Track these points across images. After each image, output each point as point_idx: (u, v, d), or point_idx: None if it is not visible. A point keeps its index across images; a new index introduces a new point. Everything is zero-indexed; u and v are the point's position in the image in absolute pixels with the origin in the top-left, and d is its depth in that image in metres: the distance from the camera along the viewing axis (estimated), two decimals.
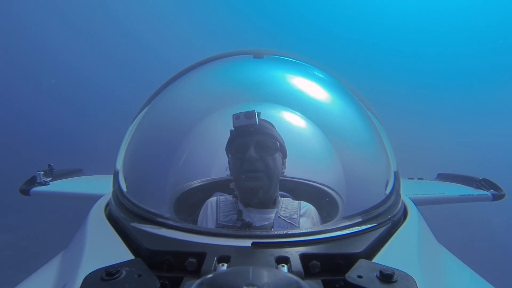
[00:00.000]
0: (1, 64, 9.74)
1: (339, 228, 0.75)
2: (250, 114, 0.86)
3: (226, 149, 0.88)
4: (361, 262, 0.60)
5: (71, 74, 11.32)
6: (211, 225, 0.85)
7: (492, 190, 2.10)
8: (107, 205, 1.01)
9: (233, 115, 0.86)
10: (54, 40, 11.41)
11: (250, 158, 0.85)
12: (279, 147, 0.87)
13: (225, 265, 0.60)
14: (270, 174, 0.87)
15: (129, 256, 0.66)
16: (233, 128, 0.87)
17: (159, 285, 0.53)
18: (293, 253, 0.63)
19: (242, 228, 0.83)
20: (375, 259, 0.66)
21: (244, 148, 0.86)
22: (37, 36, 11.22)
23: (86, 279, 0.53)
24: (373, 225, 0.79)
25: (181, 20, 13.61)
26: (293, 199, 0.91)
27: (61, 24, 11.45)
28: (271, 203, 0.89)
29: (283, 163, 0.88)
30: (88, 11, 11.68)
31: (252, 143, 0.86)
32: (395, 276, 0.54)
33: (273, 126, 0.89)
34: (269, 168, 0.86)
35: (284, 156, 0.88)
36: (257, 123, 0.86)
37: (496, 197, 2.05)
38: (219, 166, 0.91)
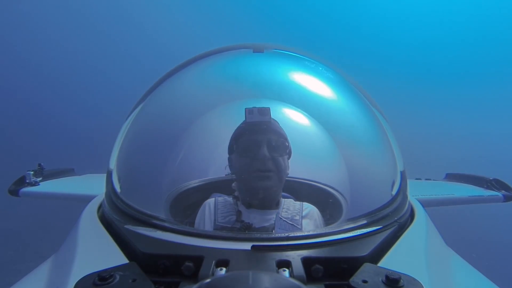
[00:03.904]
0: None
1: (343, 231, 0.75)
2: (265, 111, 0.86)
3: (231, 144, 0.87)
4: (366, 266, 0.60)
5: (63, 69, 11.30)
6: (209, 227, 0.85)
7: (503, 191, 2.10)
8: (100, 206, 1.00)
9: (246, 109, 0.86)
10: (46, 34, 11.38)
11: (263, 157, 0.84)
12: (288, 147, 0.87)
13: (224, 269, 0.60)
14: (280, 174, 0.87)
15: (123, 260, 0.66)
16: (243, 124, 0.86)
17: None
18: (295, 256, 0.63)
19: (242, 229, 0.83)
20: (381, 263, 0.66)
21: (256, 146, 0.85)
22: (29, 30, 11.19)
23: (78, 284, 0.53)
24: (379, 227, 0.79)
25: (178, 14, 13.56)
26: (295, 200, 0.91)
27: (54, 17, 11.41)
28: (274, 204, 0.89)
29: (288, 164, 0.88)
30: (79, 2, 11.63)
31: (265, 142, 0.85)
32: (401, 280, 0.54)
33: (279, 124, 0.89)
34: (279, 169, 0.86)
35: (289, 156, 0.88)
36: (271, 121, 0.86)
37: (507, 198, 2.05)
38: (218, 166, 0.91)
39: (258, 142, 0.86)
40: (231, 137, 0.88)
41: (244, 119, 0.87)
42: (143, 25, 12.83)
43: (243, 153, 0.86)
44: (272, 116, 0.89)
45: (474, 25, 12.35)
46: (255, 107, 0.86)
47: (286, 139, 0.87)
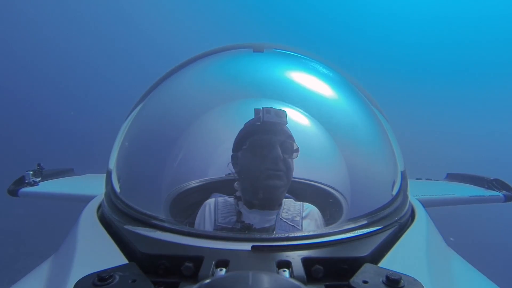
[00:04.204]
0: None
1: (343, 231, 0.75)
2: (281, 113, 0.87)
3: (240, 141, 0.87)
4: (367, 267, 0.60)
5: (62, 69, 11.30)
6: (208, 227, 0.85)
7: (504, 191, 2.10)
8: (100, 206, 1.00)
9: (263, 108, 0.86)
10: (47, 33, 11.37)
11: (276, 157, 0.85)
12: (297, 151, 0.87)
13: (224, 269, 0.60)
14: (289, 176, 0.87)
15: (123, 260, 0.66)
16: (258, 122, 0.86)
17: None
18: (295, 257, 0.63)
19: (242, 230, 0.83)
20: (381, 264, 0.66)
21: (271, 145, 0.86)
22: (30, 27, 11.18)
23: (77, 284, 0.53)
24: (379, 227, 0.79)
25: (177, 13, 13.55)
26: (296, 200, 0.91)
27: (52, 17, 11.41)
28: (277, 205, 0.89)
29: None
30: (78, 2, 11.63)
31: (278, 142, 0.86)
32: (402, 281, 0.54)
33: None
34: (289, 170, 0.87)
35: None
36: (287, 124, 0.87)
37: (508, 198, 2.05)
38: (218, 166, 0.91)
39: (273, 142, 0.86)
40: (240, 134, 0.88)
41: (253, 117, 0.88)
42: (142, 25, 12.82)
43: (256, 151, 0.87)
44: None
45: (475, 24, 12.34)
46: (272, 107, 0.87)
47: (295, 142, 0.88)
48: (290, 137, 0.87)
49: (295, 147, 0.86)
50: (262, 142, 0.87)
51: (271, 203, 0.89)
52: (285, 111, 0.88)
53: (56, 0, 11.42)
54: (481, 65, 12.23)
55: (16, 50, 10.84)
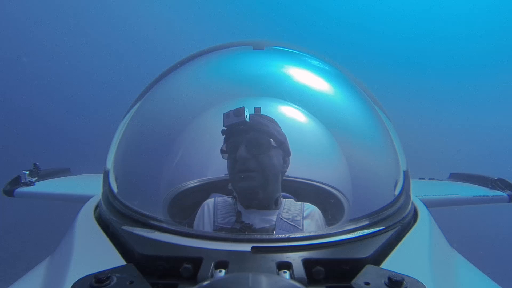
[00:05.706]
0: None
1: (344, 232, 0.75)
2: (239, 112, 0.86)
3: (220, 150, 0.88)
4: (368, 268, 0.60)
5: (59, 69, 11.29)
6: (208, 228, 0.85)
7: (508, 191, 2.10)
8: (97, 207, 1.00)
9: (223, 114, 0.86)
10: (42, 32, 11.36)
11: (240, 158, 0.85)
12: (273, 144, 0.86)
13: (223, 271, 0.60)
14: (265, 173, 0.86)
15: (120, 261, 0.66)
16: (224, 128, 0.87)
17: None
18: (296, 258, 0.63)
19: (242, 230, 0.83)
20: (383, 265, 0.66)
21: (235, 147, 0.86)
22: (24, 30, 11.17)
23: (74, 286, 0.53)
24: (381, 228, 0.79)
25: (175, 12, 13.53)
26: (296, 200, 0.91)
27: (48, 18, 11.40)
28: (273, 204, 0.89)
29: (285, 161, 0.88)
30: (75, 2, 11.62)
31: (243, 142, 0.86)
32: (404, 282, 0.54)
33: (272, 122, 0.88)
34: (264, 167, 0.86)
35: (287, 154, 0.87)
36: (247, 120, 0.85)
37: None
38: (217, 166, 0.91)
39: (236, 144, 0.86)
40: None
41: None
42: (140, 23, 12.80)
43: (228, 156, 0.88)
44: (271, 115, 0.89)
45: (478, 21, 12.31)
46: (231, 110, 0.87)
47: (271, 135, 0.87)
48: (260, 132, 0.87)
49: (265, 141, 0.86)
50: (230, 146, 0.87)
51: (262, 203, 0.88)
52: (243, 107, 0.86)
53: (54, 2, 11.40)
54: (484, 63, 12.20)
55: (13, 50, 10.83)
